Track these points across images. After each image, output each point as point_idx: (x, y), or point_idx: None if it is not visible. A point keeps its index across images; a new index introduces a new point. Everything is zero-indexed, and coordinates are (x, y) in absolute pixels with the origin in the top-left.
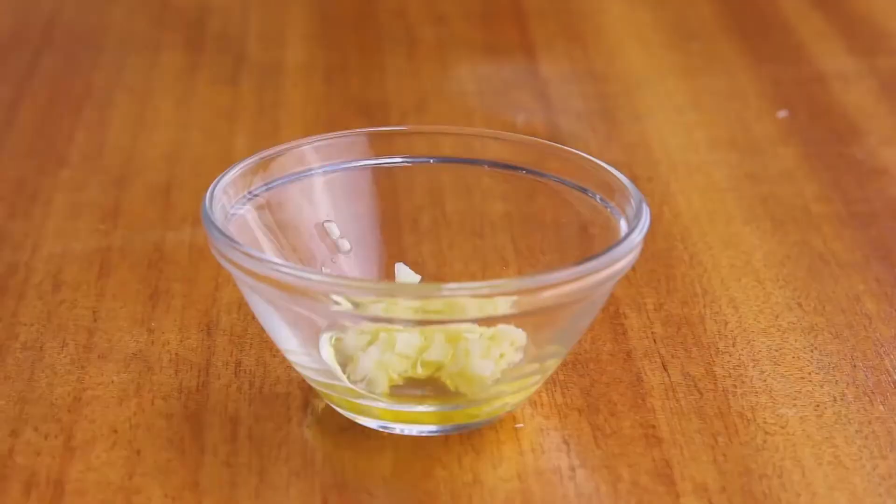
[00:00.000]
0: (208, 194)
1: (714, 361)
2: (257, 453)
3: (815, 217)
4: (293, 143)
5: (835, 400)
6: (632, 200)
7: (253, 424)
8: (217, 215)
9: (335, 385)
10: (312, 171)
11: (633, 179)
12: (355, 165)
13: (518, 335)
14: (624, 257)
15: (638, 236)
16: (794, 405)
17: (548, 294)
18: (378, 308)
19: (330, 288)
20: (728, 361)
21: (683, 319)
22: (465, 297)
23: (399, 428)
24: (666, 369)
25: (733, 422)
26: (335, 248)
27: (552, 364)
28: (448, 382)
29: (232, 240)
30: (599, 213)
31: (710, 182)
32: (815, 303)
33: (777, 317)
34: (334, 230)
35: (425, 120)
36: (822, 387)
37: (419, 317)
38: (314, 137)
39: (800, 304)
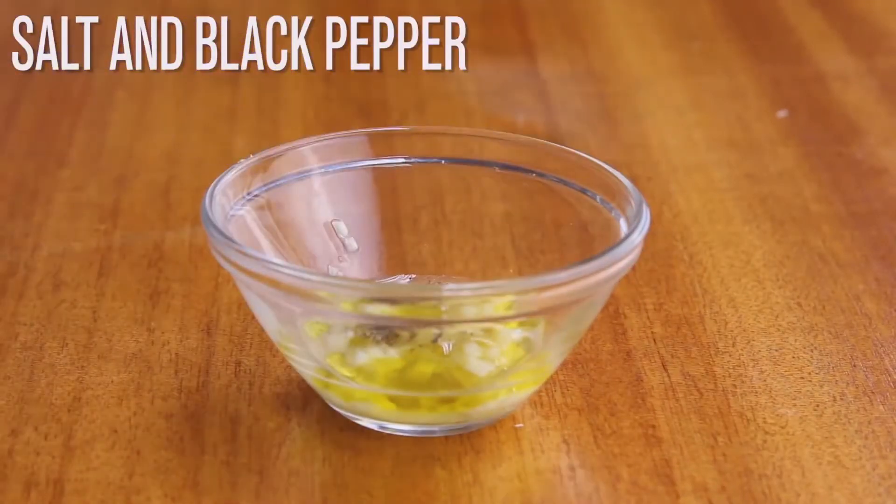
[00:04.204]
0: (208, 194)
1: (714, 361)
2: (257, 453)
3: (815, 217)
4: (293, 144)
5: (834, 400)
6: (632, 201)
7: (253, 424)
8: (217, 215)
9: (334, 384)
10: (312, 172)
11: (633, 179)
12: (355, 166)
13: (517, 335)
14: (624, 258)
15: (638, 237)
16: (794, 405)
17: (548, 294)
18: (377, 308)
19: (328, 288)
20: (728, 361)
21: (683, 319)
22: (466, 297)
23: (399, 428)
24: (666, 369)
25: (733, 421)
26: (343, 248)
27: (552, 364)
28: (446, 381)
29: (231, 240)
30: (599, 213)
31: (710, 182)
32: (815, 302)
33: (777, 317)
34: (342, 229)
35: (425, 120)
36: (821, 387)
37: (419, 317)
38: (314, 138)
39: (799, 304)
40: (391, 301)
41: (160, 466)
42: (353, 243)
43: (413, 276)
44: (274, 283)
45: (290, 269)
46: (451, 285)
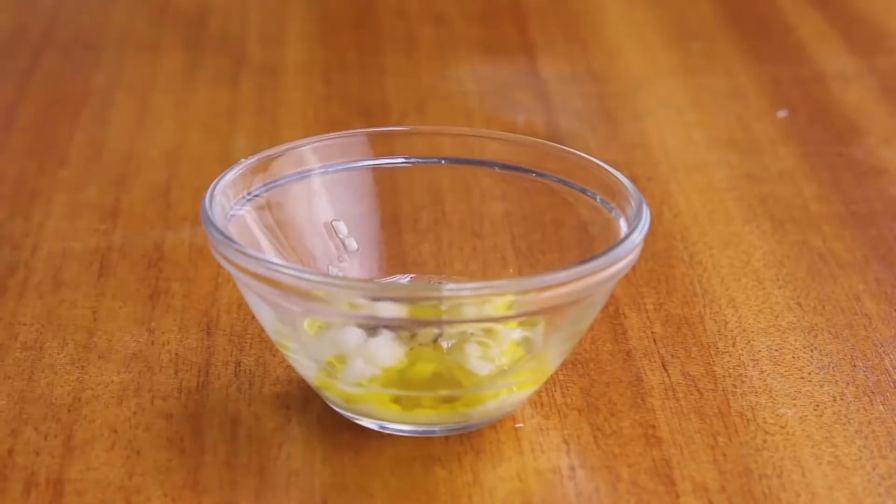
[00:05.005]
0: (208, 194)
1: (714, 361)
2: (257, 453)
3: (815, 217)
4: (293, 144)
5: (834, 400)
6: (632, 201)
7: (253, 424)
8: (217, 215)
9: (333, 384)
10: (312, 172)
11: (633, 179)
12: (355, 166)
13: (517, 335)
14: (624, 258)
15: (638, 237)
16: (794, 405)
17: (548, 294)
18: (377, 308)
19: (328, 288)
20: (728, 361)
21: (683, 319)
22: (466, 297)
23: (399, 428)
24: (666, 369)
25: (733, 422)
26: (343, 248)
27: (552, 364)
28: (447, 380)
29: (231, 240)
30: (599, 213)
31: (710, 182)
32: (815, 302)
33: (777, 317)
34: (342, 229)
35: (425, 120)
36: (821, 387)
37: (419, 317)
38: (314, 138)
39: (799, 304)
40: (391, 301)
41: (160, 466)
42: (353, 243)
43: (413, 275)
44: (274, 284)
45: (290, 269)
46: (451, 285)
